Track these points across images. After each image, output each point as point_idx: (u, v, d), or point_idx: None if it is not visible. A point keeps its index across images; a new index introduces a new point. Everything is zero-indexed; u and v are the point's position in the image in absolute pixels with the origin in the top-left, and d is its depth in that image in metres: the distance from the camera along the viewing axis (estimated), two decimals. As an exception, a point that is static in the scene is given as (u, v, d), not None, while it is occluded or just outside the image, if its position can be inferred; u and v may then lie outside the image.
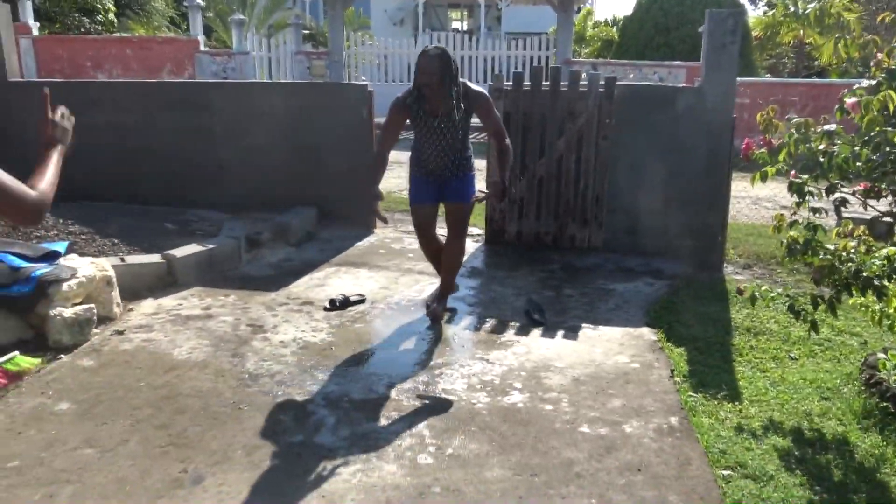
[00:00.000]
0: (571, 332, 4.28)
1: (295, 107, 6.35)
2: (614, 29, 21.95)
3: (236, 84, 6.36)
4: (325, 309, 4.54)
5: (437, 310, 4.38)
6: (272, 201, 6.40)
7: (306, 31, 21.96)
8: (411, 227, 6.56)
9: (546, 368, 3.76)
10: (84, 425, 3.05)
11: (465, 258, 5.68)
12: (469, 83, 4.08)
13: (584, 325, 4.41)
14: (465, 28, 31.26)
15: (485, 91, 4.13)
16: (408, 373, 3.66)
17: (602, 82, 5.71)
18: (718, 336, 4.37)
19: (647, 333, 4.30)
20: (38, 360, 3.49)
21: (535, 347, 4.04)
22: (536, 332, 4.27)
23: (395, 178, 9.48)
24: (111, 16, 21.76)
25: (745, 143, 3.16)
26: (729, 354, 4.13)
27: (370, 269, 5.40)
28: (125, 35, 18.00)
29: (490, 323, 4.40)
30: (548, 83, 5.84)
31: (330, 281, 5.11)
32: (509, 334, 4.23)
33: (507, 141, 4.10)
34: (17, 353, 3.47)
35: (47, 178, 2.00)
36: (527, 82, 5.89)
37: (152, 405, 3.24)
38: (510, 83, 5.93)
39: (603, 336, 4.24)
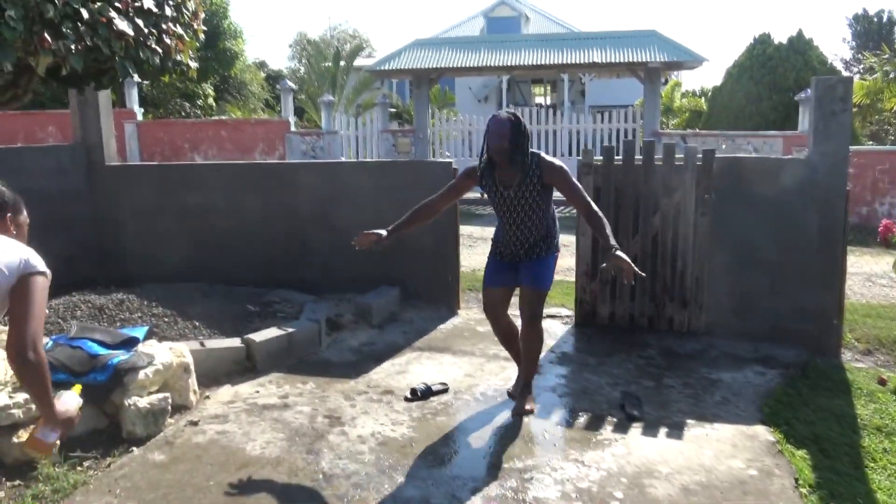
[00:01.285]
0: (676, 430, 3.85)
1: (379, 185, 6.28)
2: (702, 100, 21.57)
3: (322, 164, 6.38)
4: (406, 399, 4.28)
5: (522, 407, 4.06)
6: (356, 281, 6.28)
7: (393, 110, 22.58)
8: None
9: (649, 474, 3.35)
10: (148, 531, 2.85)
11: (553, 342, 5.36)
12: (543, 154, 3.86)
13: (689, 421, 3.98)
14: (549, 103, 31.48)
15: (560, 162, 3.86)
16: (494, 476, 3.32)
17: (699, 155, 5.38)
18: (845, 436, 3.85)
19: (763, 433, 3.83)
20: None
21: (636, 448, 3.64)
22: (636, 430, 3.86)
23: (480, 256, 9.30)
24: (210, 100, 23.05)
25: (883, 225, 2.78)
26: (860, 459, 3.61)
27: (454, 354, 5.13)
28: (220, 118, 18.90)
29: (583, 417, 4.03)
30: (640, 157, 5.56)
31: (412, 367, 4.86)
32: (606, 431, 3.85)
33: (595, 207, 3.76)
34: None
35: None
36: (618, 156, 5.62)
37: (220, 509, 3.03)
38: (600, 158, 5.68)
39: (712, 435, 3.79)
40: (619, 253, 3.54)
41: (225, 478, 3.29)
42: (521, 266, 4.00)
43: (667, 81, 20.88)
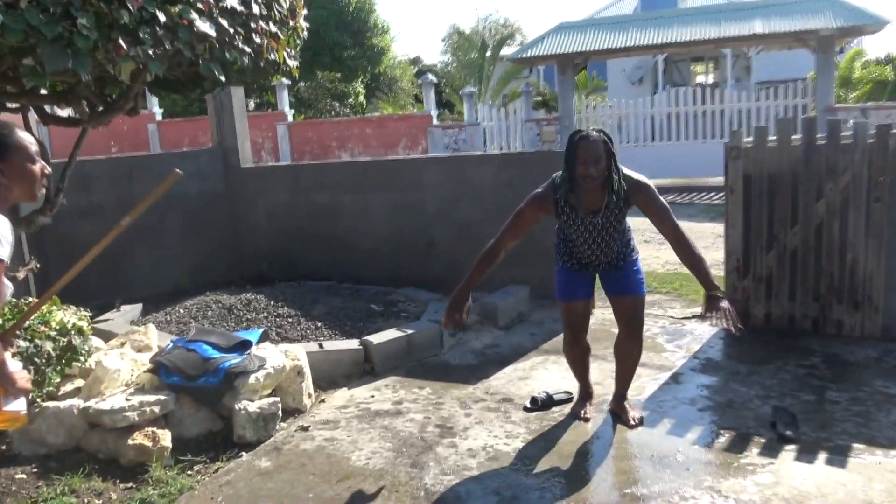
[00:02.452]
0: (838, 457, 3.32)
1: (506, 179, 6.05)
2: (889, 68, 19.35)
3: (446, 158, 6.26)
4: (526, 409, 4.03)
5: (633, 416, 3.75)
6: (483, 279, 6.08)
7: (539, 98, 22.21)
8: (635, 308, 5.93)
9: (800, 510, 2.89)
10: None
11: (698, 346, 4.90)
12: (625, 169, 3.43)
13: (856, 445, 3.41)
14: (711, 81, 29.65)
15: (644, 179, 3.43)
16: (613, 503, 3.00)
17: (872, 131, 4.68)
18: None
19: (952, 464, 3.21)
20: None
21: (787, 476, 3.17)
22: (788, 454, 3.37)
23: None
24: (360, 98, 23.79)
25: None
26: None
27: (583, 358, 4.79)
28: (366, 116, 19.41)
29: (725, 437, 3.58)
30: (799, 136, 4.93)
31: (535, 373, 4.60)
32: (751, 454, 3.39)
33: (686, 235, 3.33)
34: None
35: None
36: (772, 137, 5.03)
37: (315, 524, 2.94)
38: (750, 139, 5.10)
39: (885, 465, 3.23)
40: (721, 302, 3.13)
41: (325, 490, 3.21)
42: (604, 276, 3.65)
43: (843, 51, 18.92)
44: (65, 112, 3.74)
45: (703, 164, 13.73)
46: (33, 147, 2.08)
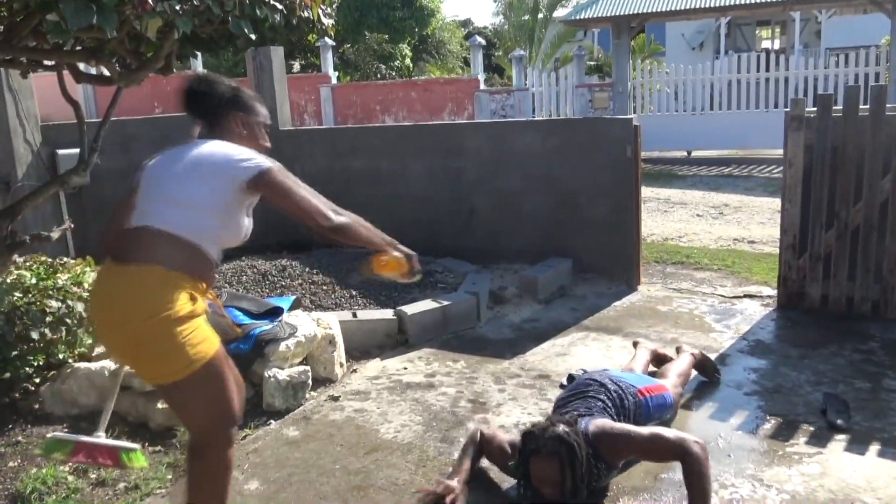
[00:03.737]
0: (892, 449, 3.21)
1: (551, 146, 5.94)
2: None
3: (489, 123, 6.16)
4: (562, 386, 3.96)
5: None
6: (523, 251, 6.04)
7: (592, 63, 21.76)
8: (683, 284, 5.83)
9: (848, 504, 2.80)
10: (266, 514, 2.86)
11: (748, 327, 4.78)
12: (591, 425, 2.82)
13: (912, 437, 3.30)
14: (778, 47, 28.67)
15: (616, 427, 2.85)
16: (647, 489, 2.95)
17: (948, 102, 4.44)
18: None
19: None
20: (145, 463, 3.03)
21: (834, 467, 3.07)
22: (838, 443, 3.27)
23: (676, 223, 8.65)
24: (407, 61, 23.65)
25: None
26: None
27: (624, 336, 4.72)
28: (411, 79, 19.29)
29: (771, 423, 3.49)
30: (867, 107, 4.71)
31: (574, 350, 4.54)
32: (798, 443, 3.30)
33: (696, 460, 2.62)
34: (138, 448, 3.02)
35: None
36: (837, 106, 4.82)
37: (340, 495, 2.96)
38: (814, 109, 4.90)
39: (943, 459, 3.11)
40: None
41: (352, 462, 3.23)
42: None
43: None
44: (97, 70, 3.78)
45: (764, 135, 13.31)
46: None
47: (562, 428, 2.69)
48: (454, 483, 2.86)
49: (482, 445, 3.06)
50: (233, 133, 2.44)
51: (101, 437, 2.89)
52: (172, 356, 2.15)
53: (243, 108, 2.50)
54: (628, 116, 5.70)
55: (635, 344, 4.24)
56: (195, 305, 2.21)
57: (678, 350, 4.09)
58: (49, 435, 3.03)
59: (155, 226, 2.22)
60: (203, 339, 2.19)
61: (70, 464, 3.06)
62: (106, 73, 3.38)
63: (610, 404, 3.09)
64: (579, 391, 3.21)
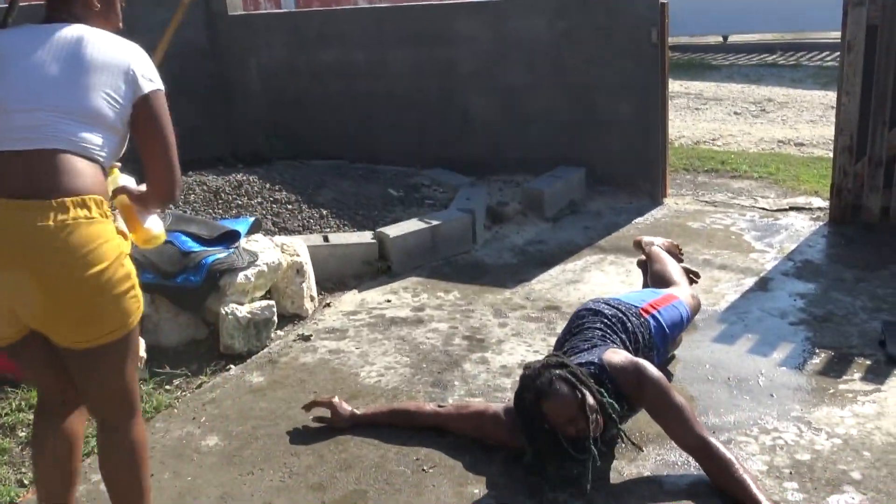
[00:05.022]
0: (962, 385, 3.25)
1: (560, 31, 5.80)
2: None
3: (486, 3, 5.97)
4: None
5: None
6: (528, 159, 5.98)
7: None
8: (718, 196, 5.82)
9: (909, 449, 2.84)
10: (226, 473, 2.87)
11: (794, 245, 4.78)
12: (606, 355, 2.89)
13: None
14: None
15: (631, 359, 2.88)
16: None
17: None
18: None
19: None
20: None
21: (893, 406, 3.11)
22: (898, 379, 3.31)
23: (709, 122, 8.57)
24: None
25: None
26: None
27: (648, 258, 4.72)
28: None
29: (821, 357, 3.52)
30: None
31: (588, 275, 4.54)
32: (852, 379, 3.33)
33: (716, 445, 2.66)
34: None
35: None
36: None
37: (315, 452, 2.98)
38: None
39: None
40: None
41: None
42: None
43: None
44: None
45: (817, 13, 13.03)
46: None
47: (549, 360, 2.79)
48: (346, 407, 3.12)
49: (444, 421, 3.05)
50: (87, 7, 2.19)
51: None
52: (116, 311, 2.04)
53: None
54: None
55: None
56: (126, 242, 2.14)
57: (642, 249, 4.08)
58: None
59: (69, 150, 2.00)
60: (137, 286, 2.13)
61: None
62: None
63: (609, 332, 3.10)
64: (574, 325, 3.22)
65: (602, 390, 2.74)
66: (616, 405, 2.76)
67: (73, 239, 1.93)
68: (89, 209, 1.96)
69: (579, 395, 2.64)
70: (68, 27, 2.10)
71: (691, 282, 3.88)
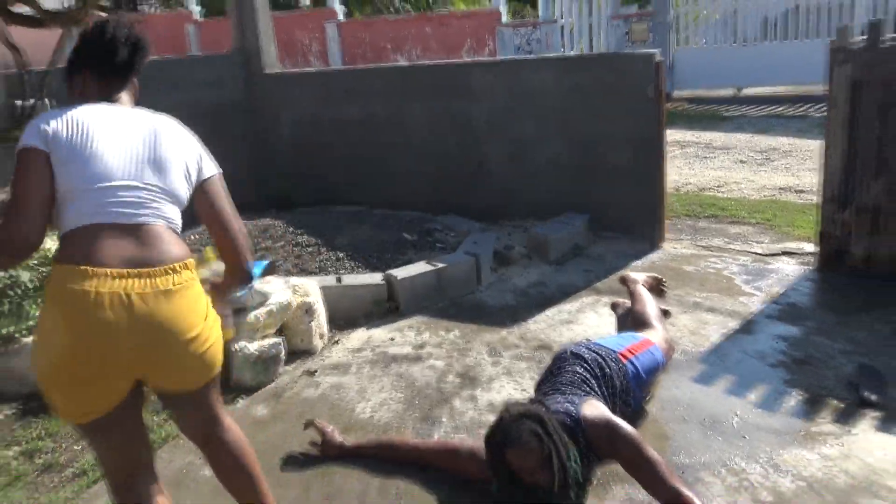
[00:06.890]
0: (930, 429, 3.12)
1: (567, 85, 5.78)
2: None
3: (499, 61, 6.01)
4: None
5: None
6: (537, 207, 5.94)
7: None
8: (714, 241, 5.71)
9: (870, 491, 2.72)
10: (221, 502, 2.86)
11: (781, 289, 4.66)
12: (583, 409, 2.80)
13: (955, 415, 3.20)
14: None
15: (605, 415, 2.80)
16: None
17: None
18: None
19: None
20: None
21: (860, 449, 2.99)
22: (868, 422, 3.18)
23: (715, 171, 8.46)
24: (426, -7, 23.19)
25: None
26: None
27: (640, 301, 4.63)
28: (424, 13, 18.94)
29: (795, 399, 3.41)
30: (923, 35, 4.50)
31: (582, 316, 4.47)
32: (822, 421, 3.22)
33: (691, 499, 2.52)
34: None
35: None
36: (891, 35, 4.61)
37: (303, 483, 2.96)
38: (862, 38, 4.69)
39: None
40: None
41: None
42: None
43: None
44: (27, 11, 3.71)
45: (823, 69, 12.88)
46: None
47: (530, 409, 2.69)
48: (337, 437, 3.13)
49: (423, 455, 3.03)
50: (130, 94, 2.36)
51: None
52: (218, 353, 2.23)
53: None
54: (650, 51, 5.49)
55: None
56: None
57: (627, 287, 4.16)
58: None
59: (164, 224, 2.15)
60: None
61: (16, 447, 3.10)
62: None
63: (589, 376, 3.04)
64: (555, 367, 3.17)
65: (571, 453, 2.64)
66: (579, 473, 2.65)
67: (187, 296, 2.10)
68: (191, 270, 2.14)
69: (545, 451, 2.56)
70: (140, 112, 2.27)
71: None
